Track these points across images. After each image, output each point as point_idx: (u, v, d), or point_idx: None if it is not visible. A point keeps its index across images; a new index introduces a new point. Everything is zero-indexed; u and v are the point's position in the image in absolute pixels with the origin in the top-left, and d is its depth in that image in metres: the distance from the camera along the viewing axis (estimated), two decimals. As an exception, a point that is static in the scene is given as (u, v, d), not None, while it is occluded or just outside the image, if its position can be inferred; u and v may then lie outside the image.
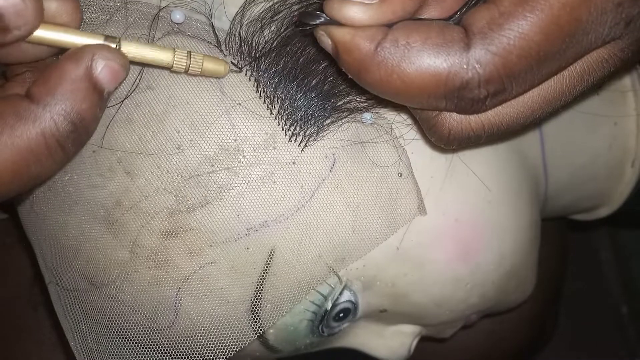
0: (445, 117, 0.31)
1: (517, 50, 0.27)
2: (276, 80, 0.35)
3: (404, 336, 0.45)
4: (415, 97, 0.29)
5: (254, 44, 0.35)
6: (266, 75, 0.35)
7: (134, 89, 0.34)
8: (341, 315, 0.40)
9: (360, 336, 0.45)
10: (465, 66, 0.27)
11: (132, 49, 0.31)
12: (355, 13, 0.28)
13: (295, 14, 0.34)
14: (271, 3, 0.36)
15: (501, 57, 0.27)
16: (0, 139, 0.28)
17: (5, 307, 0.58)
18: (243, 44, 0.35)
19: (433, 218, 0.38)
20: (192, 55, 0.32)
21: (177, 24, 0.35)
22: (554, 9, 0.26)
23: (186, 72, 0.33)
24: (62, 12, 0.30)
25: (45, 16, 0.29)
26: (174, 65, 0.32)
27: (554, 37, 0.27)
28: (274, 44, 0.35)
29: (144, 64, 0.33)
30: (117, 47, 0.31)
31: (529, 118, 0.31)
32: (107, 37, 0.31)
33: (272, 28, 0.36)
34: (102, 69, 0.29)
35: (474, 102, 0.28)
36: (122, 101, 0.35)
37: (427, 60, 0.27)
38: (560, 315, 0.75)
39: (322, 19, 0.29)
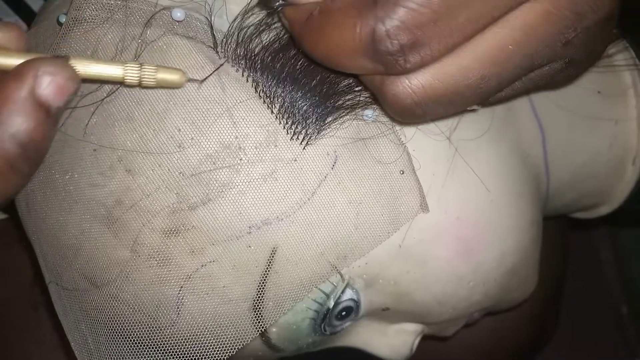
0: (390, 84, 0.31)
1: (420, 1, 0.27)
2: (274, 81, 0.35)
3: (406, 334, 0.45)
4: (343, 60, 0.30)
5: (251, 46, 0.35)
6: (264, 76, 0.35)
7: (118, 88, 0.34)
8: (343, 313, 0.40)
9: (363, 335, 0.45)
10: (373, 21, 0.28)
11: (80, 67, 0.30)
12: None
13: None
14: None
15: (404, 6, 0.27)
16: None
17: (5, 307, 0.58)
18: (240, 46, 0.35)
19: (435, 216, 0.38)
20: (143, 68, 0.32)
21: (178, 21, 0.35)
22: None
23: (140, 85, 0.32)
24: (6, 41, 0.30)
25: None
26: (126, 79, 0.31)
27: None
28: (273, 47, 0.35)
29: (95, 81, 0.32)
30: None
31: (476, 78, 0.30)
32: (56, 57, 0.30)
33: (271, 33, 0.36)
34: (47, 85, 0.28)
35: (393, 57, 0.29)
36: (100, 100, 0.35)
37: (343, 22, 0.29)
38: (561, 315, 0.75)
39: (279, 1, 0.32)
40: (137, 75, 0.32)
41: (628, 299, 0.88)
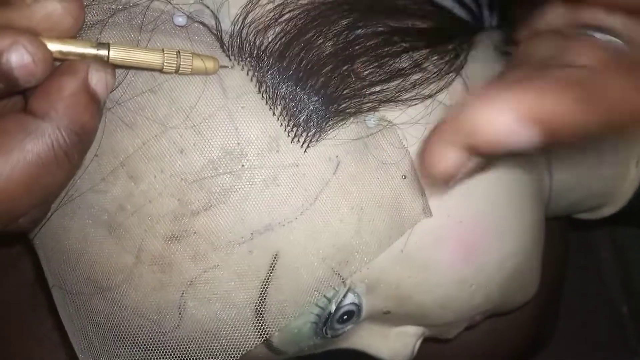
0: None
1: None
2: (278, 81, 0.35)
3: (407, 337, 0.45)
4: None
5: (257, 44, 0.35)
6: (268, 76, 0.35)
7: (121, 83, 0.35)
8: (345, 317, 0.40)
9: (364, 337, 0.45)
10: None
11: (122, 53, 0.32)
12: None
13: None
14: (275, 5, 0.36)
15: None
16: (12, 156, 0.29)
17: (5, 307, 0.58)
18: (245, 45, 0.35)
19: (437, 220, 0.38)
20: (181, 55, 0.33)
21: (180, 27, 0.35)
22: None
23: (177, 72, 0.33)
24: (67, 14, 0.30)
25: (51, 19, 0.30)
26: (165, 65, 0.33)
27: None
28: (277, 46, 0.35)
29: (134, 67, 0.33)
30: (107, 50, 0.31)
31: None
32: (98, 44, 0.32)
33: (277, 29, 0.35)
34: (97, 80, 0.31)
35: None
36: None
37: None
38: (561, 315, 0.75)
39: None
40: (174, 62, 0.33)
41: (628, 299, 0.88)
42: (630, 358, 0.85)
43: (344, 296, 0.39)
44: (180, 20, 0.35)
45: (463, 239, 0.39)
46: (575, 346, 0.83)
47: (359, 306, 0.40)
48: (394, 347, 0.45)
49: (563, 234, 0.70)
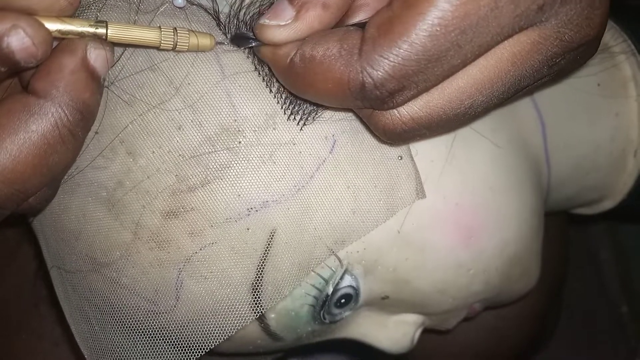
0: (379, 115, 0.32)
1: (404, 54, 0.28)
2: None
3: (406, 326, 0.45)
4: (331, 101, 0.31)
5: (253, 24, 0.35)
6: None
7: (118, 61, 0.35)
8: (343, 301, 0.40)
9: (362, 326, 0.45)
10: (359, 71, 0.29)
11: (120, 31, 0.32)
12: (272, 35, 0.31)
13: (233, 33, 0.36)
14: None
15: (390, 61, 0.28)
16: (18, 136, 0.30)
17: (6, 304, 0.58)
18: (241, 25, 0.35)
19: (433, 202, 0.39)
20: (177, 32, 0.34)
21: (179, 8, 0.36)
22: (438, 11, 0.27)
23: (174, 49, 0.34)
24: None
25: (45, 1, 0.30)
26: (162, 42, 0.33)
27: (441, 39, 0.27)
28: None
29: (132, 45, 0.34)
30: (105, 29, 0.32)
31: (464, 107, 0.31)
32: (97, 22, 0.32)
33: None
34: (96, 57, 0.31)
35: (382, 101, 0.30)
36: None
37: (327, 69, 0.30)
38: (561, 315, 0.75)
39: (251, 42, 0.34)
40: (171, 39, 0.33)
41: (628, 298, 0.88)
42: (631, 358, 0.85)
43: (341, 278, 0.39)
44: (180, 1, 0.35)
45: (460, 222, 0.40)
46: (575, 346, 0.83)
47: (356, 289, 0.40)
48: (393, 337, 0.45)
49: (563, 233, 0.70)
